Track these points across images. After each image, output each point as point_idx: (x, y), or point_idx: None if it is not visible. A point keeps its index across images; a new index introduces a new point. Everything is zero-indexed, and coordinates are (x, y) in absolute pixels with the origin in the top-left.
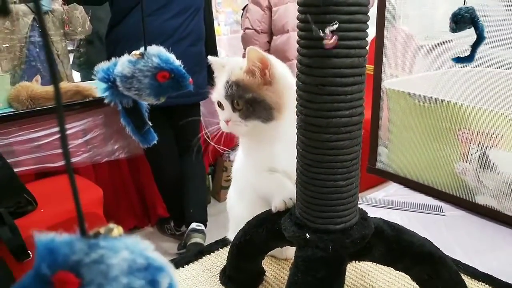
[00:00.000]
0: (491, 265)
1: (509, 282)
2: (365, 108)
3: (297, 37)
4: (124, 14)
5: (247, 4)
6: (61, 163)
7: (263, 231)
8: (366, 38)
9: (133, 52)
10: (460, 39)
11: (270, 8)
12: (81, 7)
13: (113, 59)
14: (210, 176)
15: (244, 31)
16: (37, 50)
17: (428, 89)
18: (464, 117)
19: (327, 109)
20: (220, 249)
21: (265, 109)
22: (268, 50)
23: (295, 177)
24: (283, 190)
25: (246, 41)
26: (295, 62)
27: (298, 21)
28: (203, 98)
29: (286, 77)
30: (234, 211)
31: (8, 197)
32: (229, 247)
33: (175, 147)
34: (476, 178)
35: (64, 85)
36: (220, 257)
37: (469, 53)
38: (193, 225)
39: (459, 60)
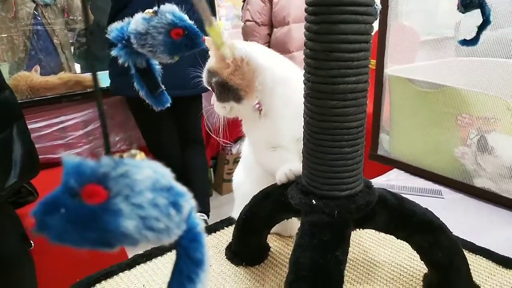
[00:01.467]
0: (487, 244)
1: (506, 255)
2: (367, 101)
3: (305, 5)
4: (125, 2)
5: None
6: (62, 154)
7: (269, 203)
8: (374, 5)
9: (147, 10)
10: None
11: (271, 0)
12: None
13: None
14: (211, 169)
15: (244, 23)
16: (37, 40)
17: (429, 76)
18: (463, 102)
19: (334, 75)
20: (225, 227)
21: (232, 90)
22: (269, 43)
23: (296, 148)
24: (284, 163)
25: (246, 33)
26: (296, 54)
27: None
28: (204, 90)
29: (254, 59)
30: (241, 189)
31: (32, 172)
32: (234, 225)
33: (177, 139)
34: (474, 162)
35: (64, 75)
36: (225, 235)
37: (474, 35)
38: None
39: (465, 42)
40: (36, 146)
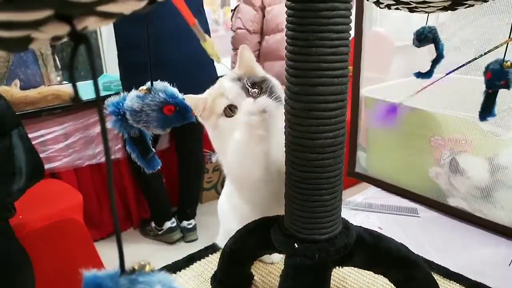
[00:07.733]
0: (461, 263)
1: (478, 280)
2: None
3: (286, 66)
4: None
5: (238, 4)
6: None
7: (253, 240)
8: (348, 68)
9: (140, 88)
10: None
11: (263, 8)
12: None
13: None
14: None
15: (235, 31)
16: (16, 55)
17: (402, 95)
18: (436, 124)
19: (313, 132)
20: (210, 255)
21: None
22: (259, 51)
23: None
24: None
25: (238, 41)
26: None
27: (286, 52)
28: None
29: None
30: (227, 222)
31: (37, 175)
32: (218, 253)
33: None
34: (448, 182)
35: (44, 89)
36: (210, 263)
37: (428, 69)
38: (185, 223)
39: (419, 75)
40: None
